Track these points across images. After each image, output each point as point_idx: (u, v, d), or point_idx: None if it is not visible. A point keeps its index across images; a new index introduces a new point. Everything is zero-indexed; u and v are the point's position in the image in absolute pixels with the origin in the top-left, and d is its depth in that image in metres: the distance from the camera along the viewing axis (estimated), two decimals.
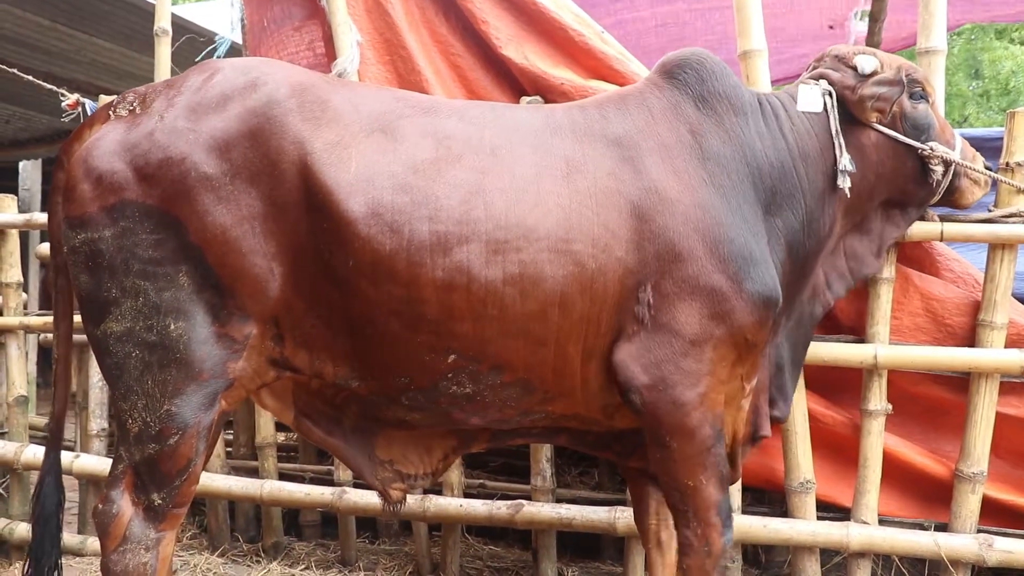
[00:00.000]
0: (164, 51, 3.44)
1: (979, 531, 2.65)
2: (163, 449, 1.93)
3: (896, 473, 2.77)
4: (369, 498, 3.04)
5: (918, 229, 2.60)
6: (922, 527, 2.74)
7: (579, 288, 1.99)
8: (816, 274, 2.41)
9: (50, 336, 3.92)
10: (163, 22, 3.44)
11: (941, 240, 2.67)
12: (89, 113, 3.55)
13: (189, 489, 2.02)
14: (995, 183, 2.62)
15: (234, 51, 4.18)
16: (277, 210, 1.94)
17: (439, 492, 3.10)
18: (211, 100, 1.96)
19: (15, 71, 3.93)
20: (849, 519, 2.73)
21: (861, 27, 4.63)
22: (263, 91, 1.97)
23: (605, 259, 2.00)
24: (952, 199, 2.50)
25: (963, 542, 2.61)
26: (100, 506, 1.97)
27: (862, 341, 2.71)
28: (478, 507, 2.98)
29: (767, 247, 2.15)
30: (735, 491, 2.81)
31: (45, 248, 3.23)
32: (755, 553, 3.16)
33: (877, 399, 2.68)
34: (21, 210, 3.79)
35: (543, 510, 2.92)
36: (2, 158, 9.02)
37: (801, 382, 2.66)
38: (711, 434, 2.08)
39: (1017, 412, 2.71)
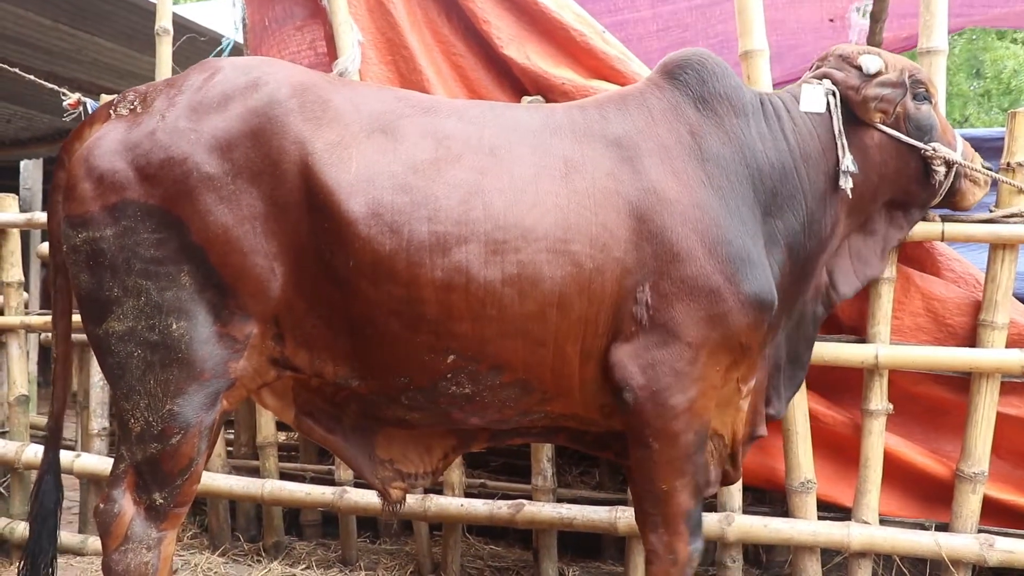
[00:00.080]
0: (165, 50, 3.44)
1: (980, 531, 2.65)
2: (165, 448, 1.94)
3: (897, 473, 2.77)
4: (370, 498, 3.04)
5: (919, 229, 2.60)
6: (923, 527, 2.74)
7: (577, 288, 1.99)
8: (819, 274, 2.41)
9: (51, 335, 3.92)
10: (164, 21, 3.44)
11: (942, 240, 2.67)
12: (90, 112, 3.54)
13: (191, 488, 2.02)
14: (996, 183, 2.62)
15: (236, 51, 4.18)
16: (278, 210, 1.94)
17: (440, 492, 3.10)
18: (212, 100, 1.96)
19: (17, 70, 3.93)
20: (850, 519, 2.73)
21: (863, 22, 4.61)
22: (264, 91, 1.97)
23: (603, 259, 2.00)
24: (952, 201, 2.50)
25: (964, 542, 2.61)
26: (102, 505, 1.98)
27: (863, 341, 2.71)
28: (479, 507, 2.98)
29: (764, 249, 2.15)
30: (735, 491, 2.82)
31: (46, 247, 3.23)
32: (756, 553, 3.16)
33: (878, 399, 2.68)
34: (22, 209, 3.80)
35: (544, 510, 2.92)
36: (3, 157, 9.02)
37: None
38: (694, 440, 2.08)
39: (1018, 412, 2.71)
